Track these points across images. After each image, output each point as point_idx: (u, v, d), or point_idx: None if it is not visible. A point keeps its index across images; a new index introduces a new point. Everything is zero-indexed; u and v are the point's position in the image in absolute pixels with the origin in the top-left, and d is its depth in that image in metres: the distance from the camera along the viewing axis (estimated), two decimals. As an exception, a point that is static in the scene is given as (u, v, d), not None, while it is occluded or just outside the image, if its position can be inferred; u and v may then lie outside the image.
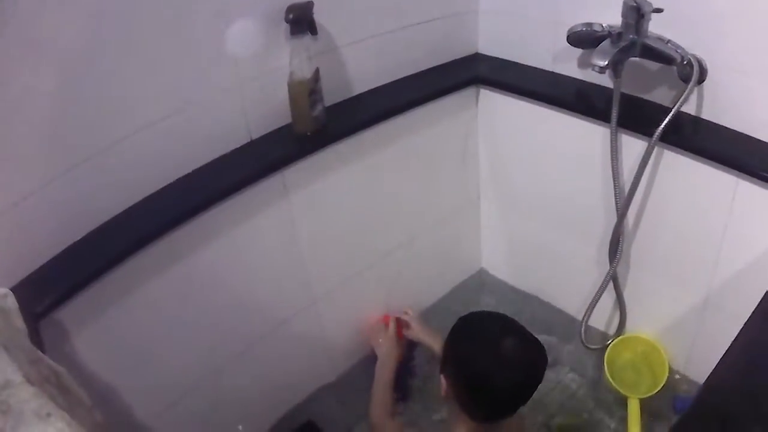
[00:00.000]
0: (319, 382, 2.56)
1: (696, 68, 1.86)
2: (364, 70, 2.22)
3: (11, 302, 1.35)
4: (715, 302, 2.20)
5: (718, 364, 1.39)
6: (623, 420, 2.39)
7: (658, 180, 2.13)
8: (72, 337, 1.64)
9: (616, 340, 2.52)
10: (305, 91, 1.94)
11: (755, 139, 1.94)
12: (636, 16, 1.90)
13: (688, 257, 2.20)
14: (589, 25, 2.06)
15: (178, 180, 1.87)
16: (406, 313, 2.57)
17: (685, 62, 1.89)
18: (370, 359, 2.48)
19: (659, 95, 2.08)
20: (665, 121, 1.92)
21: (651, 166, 2.09)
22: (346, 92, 2.20)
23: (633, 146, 2.10)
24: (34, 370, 1.25)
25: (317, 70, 1.96)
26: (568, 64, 2.29)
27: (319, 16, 1.93)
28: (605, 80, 2.15)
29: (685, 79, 1.91)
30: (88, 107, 1.60)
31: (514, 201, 2.72)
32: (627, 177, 2.17)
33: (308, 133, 2.02)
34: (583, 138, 2.24)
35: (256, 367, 2.26)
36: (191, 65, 1.78)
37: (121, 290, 1.73)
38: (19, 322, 1.35)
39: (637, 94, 2.13)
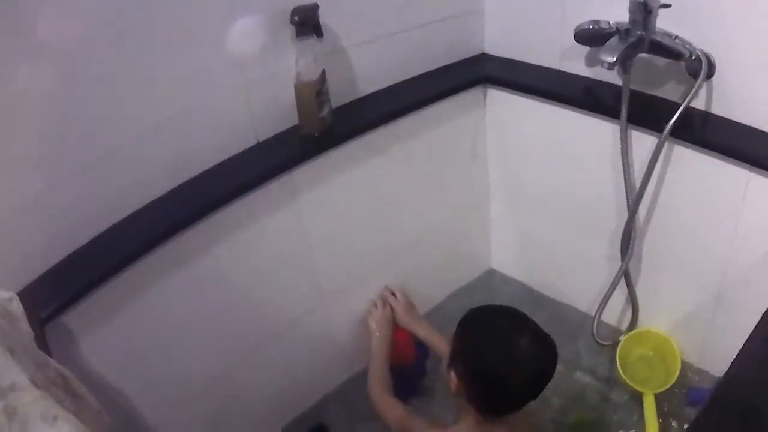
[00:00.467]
0: (330, 383, 2.55)
1: (705, 63, 1.86)
2: (371, 71, 2.21)
3: (16, 306, 1.35)
4: (727, 296, 2.19)
5: (737, 355, 1.38)
6: (638, 416, 2.38)
7: (669, 175, 2.12)
8: (79, 340, 1.64)
9: (627, 336, 2.51)
10: (312, 93, 1.94)
11: (766, 133, 1.92)
12: (643, 12, 1.88)
13: (700, 252, 2.19)
14: (596, 22, 2.05)
15: (186, 182, 1.87)
16: (393, 294, 2.53)
17: (693, 57, 1.88)
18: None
19: (668, 91, 2.07)
20: (675, 116, 1.91)
21: (662, 162, 2.08)
22: (352, 93, 2.20)
23: (643, 142, 2.09)
24: (41, 373, 1.26)
25: (323, 72, 1.96)
26: (575, 61, 2.27)
27: (325, 17, 1.93)
28: (614, 77, 2.14)
29: (694, 75, 1.90)
30: (94, 109, 1.60)
31: (524, 199, 2.71)
32: (638, 173, 2.16)
33: (316, 134, 2.01)
34: (593, 135, 2.24)
35: (266, 370, 2.26)
36: (197, 67, 1.78)
37: (128, 293, 1.73)
38: (24, 326, 1.35)
39: (646, 90, 2.11)
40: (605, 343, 2.49)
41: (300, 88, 1.94)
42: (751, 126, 1.94)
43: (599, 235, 2.46)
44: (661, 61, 2.02)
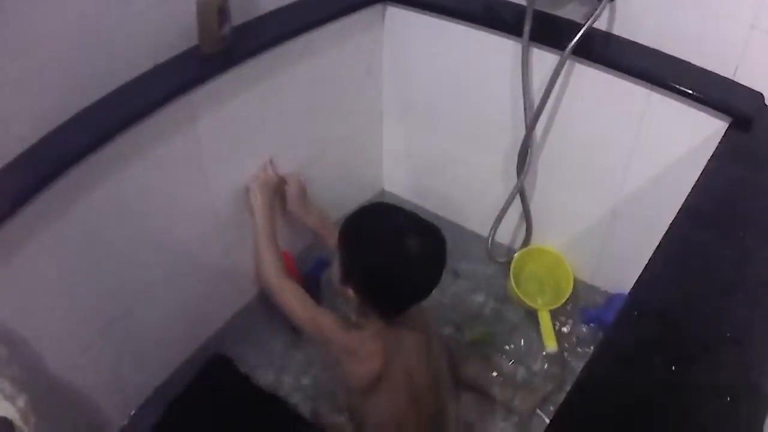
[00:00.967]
0: (226, 313, 2.52)
1: (608, -17, 1.87)
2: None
3: None
4: (623, 212, 2.27)
5: (646, 266, 1.41)
6: (534, 332, 2.44)
7: (568, 93, 2.16)
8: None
9: (520, 253, 2.56)
10: (214, 9, 1.86)
11: (666, 54, 1.98)
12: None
13: (597, 168, 2.26)
14: (499, -63, 2.04)
15: (80, 112, 1.75)
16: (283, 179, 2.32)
17: (598, -20, 1.89)
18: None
19: (571, 12, 2.09)
20: (578, 35, 1.93)
21: (562, 79, 2.11)
22: (252, 11, 2.11)
23: (544, 60, 2.11)
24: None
25: (226, -13, 1.88)
26: (479, -20, 2.26)
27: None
28: (518, -4, 2.14)
29: (598, -3, 1.92)
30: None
31: (419, 118, 2.70)
32: (536, 91, 2.18)
33: (215, 54, 1.94)
34: (493, 52, 2.23)
35: (163, 304, 2.19)
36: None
37: (18, 237, 1.61)
38: None
39: (549, 10, 2.12)
40: (500, 260, 2.56)
41: (202, 4, 1.85)
42: (653, 48, 2.00)
43: (495, 153, 2.49)
44: (566, -19, 2.04)
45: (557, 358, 2.36)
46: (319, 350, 2.36)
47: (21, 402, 1.20)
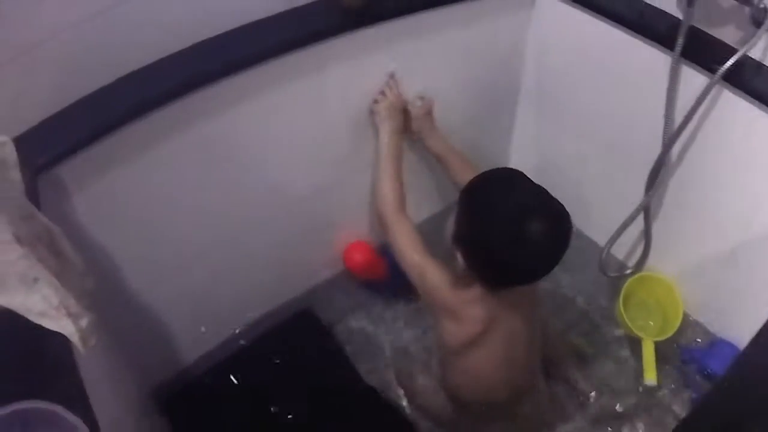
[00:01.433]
0: (325, 271, 2.52)
1: (770, 14, 1.74)
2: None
3: (10, 151, 1.26)
4: (744, 257, 2.12)
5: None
6: (629, 355, 2.40)
7: (711, 119, 2.01)
8: (72, 196, 1.57)
9: (632, 279, 2.45)
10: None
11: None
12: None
13: (726, 204, 2.11)
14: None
15: (212, 39, 1.74)
16: (421, 98, 2.20)
17: (760, 6, 1.74)
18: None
19: (726, 34, 1.92)
20: (732, 60, 1.79)
21: (707, 103, 1.96)
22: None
23: (692, 80, 1.96)
24: (26, 227, 1.17)
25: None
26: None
27: None
28: (673, 8, 1.99)
29: (756, 23, 1.77)
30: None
31: (554, 112, 2.60)
32: (679, 110, 2.05)
33: (354, 9, 1.89)
34: (641, 61, 2.10)
35: (267, 245, 2.21)
36: None
37: (132, 149, 1.65)
38: (15, 175, 1.26)
39: (704, 28, 1.96)
40: (611, 274, 2.45)
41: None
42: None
43: (626, 164, 2.37)
44: (727, 2, 1.87)
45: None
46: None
47: (84, 322, 1.17)
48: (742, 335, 2.18)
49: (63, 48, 1.48)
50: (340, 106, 2.07)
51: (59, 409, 0.97)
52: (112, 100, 1.58)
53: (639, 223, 2.33)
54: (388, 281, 2.46)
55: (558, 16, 2.30)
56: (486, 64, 2.44)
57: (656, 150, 2.12)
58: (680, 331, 2.35)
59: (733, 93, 1.90)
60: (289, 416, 2.19)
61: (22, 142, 1.35)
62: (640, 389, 2.30)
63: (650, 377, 2.26)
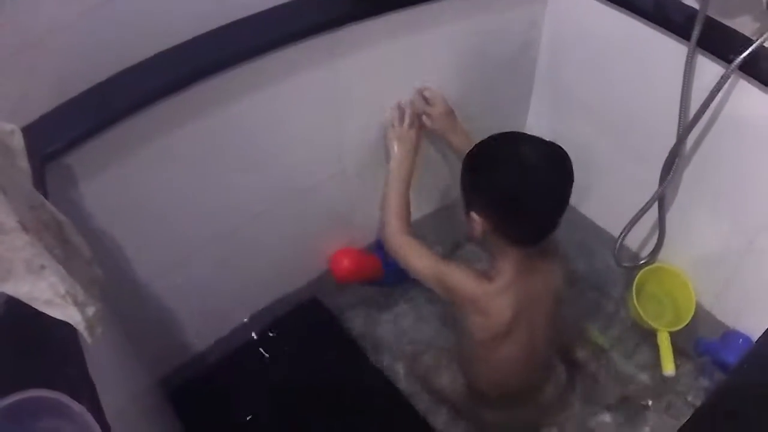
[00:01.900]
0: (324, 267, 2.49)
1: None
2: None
3: (17, 140, 1.24)
4: (761, 247, 2.09)
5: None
6: (639, 343, 2.43)
7: (727, 110, 1.99)
8: (80, 184, 1.56)
9: (645, 269, 2.44)
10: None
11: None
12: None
13: (742, 195, 2.09)
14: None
15: (222, 27, 1.74)
16: (426, 89, 2.18)
17: (776, -4, 1.73)
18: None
19: (742, 24, 1.90)
20: (748, 50, 1.77)
21: (723, 94, 1.94)
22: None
23: (708, 70, 1.95)
24: (33, 215, 1.16)
25: None
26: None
27: None
28: (689, -1, 1.98)
29: (773, 14, 1.76)
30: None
31: (568, 103, 2.58)
32: (695, 100, 2.02)
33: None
34: (657, 51, 2.08)
35: (272, 236, 2.20)
36: None
37: (140, 138, 1.64)
38: (23, 163, 1.25)
39: (721, 18, 1.94)
40: (625, 264, 2.43)
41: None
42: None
43: (640, 155, 2.35)
44: (742, -8, 1.86)
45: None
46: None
47: (91, 311, 1.16)
48: (755, 326, 2.17)
49: (72, 38, 1.47)
50: (354, 95, 2.06)
51: (65, 398, 0.97)
52: (120, 90, 1.58)
53: (653, 213, 2.32)
54: (388, 271, 2.45)
55: (573, 5, 2.28)
56: (501, 53, 2.42)
57: (671, 140, 2.10)
58: (693, 322, 2.35)
59: (749, 83, 1.88)
60: (299, 405, 2.20)
61: (30, 131, 1.33)
62: (656, 379, 2.32)
63: (669, 368, 2.26)
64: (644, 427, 2.25)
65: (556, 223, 1.70)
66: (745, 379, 1.22)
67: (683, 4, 1.99)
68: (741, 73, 1.86)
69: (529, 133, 2.68)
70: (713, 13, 1.90)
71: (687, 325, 2.32)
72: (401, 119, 2.14)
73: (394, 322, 2.48)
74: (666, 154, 2.14)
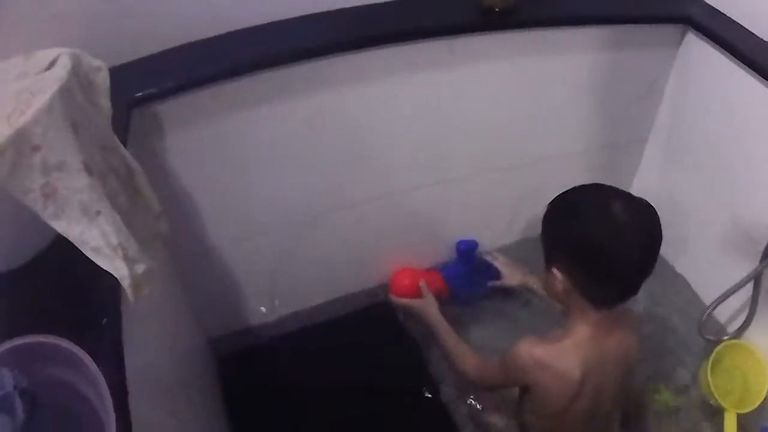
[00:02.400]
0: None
1: None
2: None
3: (102, 78, 1.21)
4: None
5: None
6: (710, 423, 2.29)
7: None
8: (165, 137, 1.55)
9: (724, 344, 2.31)
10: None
11: None
12: None
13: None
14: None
15: (346, 9, 1.73)
16: (494, 257, 2.43)
17: None
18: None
19: None
20: None
21: None
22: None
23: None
24: (102, 157, 1.13)
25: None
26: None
27: None
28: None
29: None
30: None
31: (682, 157, 2.47)
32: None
33: (496, 9, 1.84)
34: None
35: (351, 231, 2.17)
36: None
37: (239, 102, 1.62)
38: (104, 102, 1.22)
39: None
40: (707, 336, 2.32)
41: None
42: None
43: (747, 227, 2.23)
44: None
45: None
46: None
47: (140, 268, 1.12)
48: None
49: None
50: (462, 104, 2.02)
51: (77, 350, 0.93)
52: (229, 49, 1.57)
53: (747, 289, 2.21)
54: (455, 291, 2.38)
55: (704, 59, 2.18)
56: (623, 92, 2.35)
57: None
58: (761, 406, 2.23)
59: None
60: (341, 405, 2.15)
61: (120, 72, 1.32)
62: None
63: None
64: None
65: (639, 285, 1.61)
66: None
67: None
68: None
69: (638, 181, 2.65)
70: None
71: (756, 408, 2.21)
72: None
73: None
74: (773, 233, 2.04)
